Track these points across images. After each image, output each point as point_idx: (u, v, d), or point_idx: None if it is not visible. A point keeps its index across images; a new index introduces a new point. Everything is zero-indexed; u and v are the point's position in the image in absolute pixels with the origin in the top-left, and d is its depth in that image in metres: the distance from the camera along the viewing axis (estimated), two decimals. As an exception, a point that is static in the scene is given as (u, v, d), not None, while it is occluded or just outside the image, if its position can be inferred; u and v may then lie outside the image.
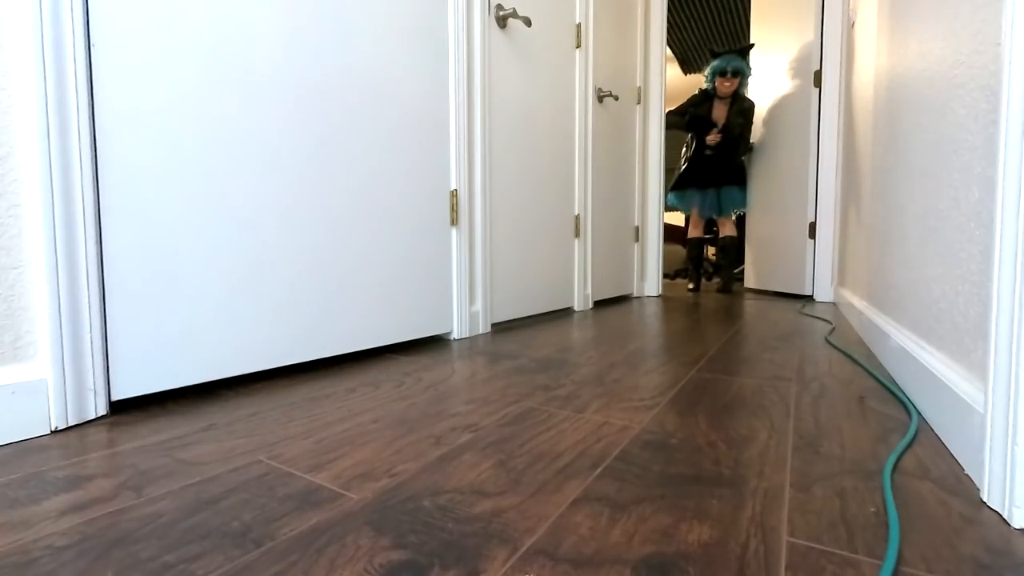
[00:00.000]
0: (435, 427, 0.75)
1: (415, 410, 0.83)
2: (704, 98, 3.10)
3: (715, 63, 3.04)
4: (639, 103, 2.86)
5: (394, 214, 1.28)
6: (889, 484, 0.55)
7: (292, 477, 0.58)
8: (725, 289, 3.16)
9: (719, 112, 3.06)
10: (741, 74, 2.99)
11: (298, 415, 0.80)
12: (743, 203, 3.19)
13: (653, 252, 2.98)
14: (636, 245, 2.91)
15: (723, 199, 3.13)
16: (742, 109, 3.00)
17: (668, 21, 3.06)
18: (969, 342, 0.65)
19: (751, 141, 3.21)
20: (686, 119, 3.14)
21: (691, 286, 3.34)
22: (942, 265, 0.78)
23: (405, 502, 0.52)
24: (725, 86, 3.00)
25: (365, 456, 0.62)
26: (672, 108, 3.22)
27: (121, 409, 0.83)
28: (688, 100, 3.16)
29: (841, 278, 2.38)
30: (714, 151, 3.08)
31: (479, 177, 1.57)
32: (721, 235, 3.20)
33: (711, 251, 4.26)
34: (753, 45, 3.19)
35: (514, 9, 1.67)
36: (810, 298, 2.76)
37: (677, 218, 3.58)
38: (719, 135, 3.01)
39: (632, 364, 1.17)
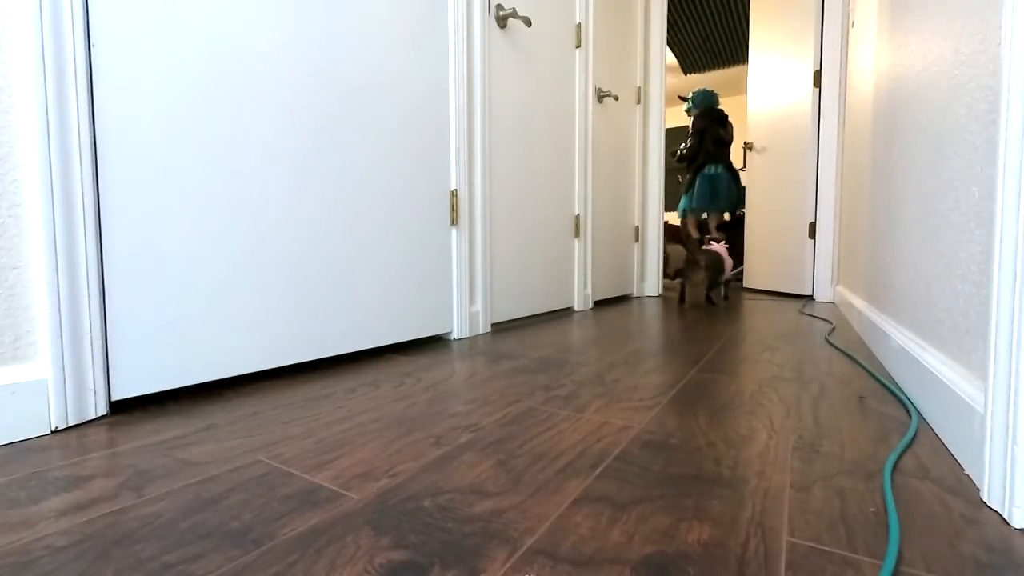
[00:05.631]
0: (435, 427, 0.75)
1: (415, 410, 0.83)
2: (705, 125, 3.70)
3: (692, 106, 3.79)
4: (639, 103, 2.86)
5: (394, 214, 1.28)
6: (889, 484, 0.55)
7: (292, 477, 0.58)
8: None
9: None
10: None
11: (298, 415, 0.80)
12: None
13: (653, 252, 2.98)
14: (636, 245, 2.91)
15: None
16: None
17: (668, 21, 3.07)
18: (969, 342, 0.65)
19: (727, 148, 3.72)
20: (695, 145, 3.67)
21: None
22: (942, 265, 0.78)
23: (405, 502, 0.52)
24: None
25: (365, 456, 0.62)
26: (683, 156, 3.75)
27: (121, 409, 0.83)
28: (690, 141, 3.68)
29: (841, 278, 2.38)
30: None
31: (479, 177, 1.57)
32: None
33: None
34: (687, 98, 3.86)
35: (514, 9, 1.67)
36: (810, 298, 2.76)
37: (677, 218, 3.72)
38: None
39: (632, 364, 1.17)
